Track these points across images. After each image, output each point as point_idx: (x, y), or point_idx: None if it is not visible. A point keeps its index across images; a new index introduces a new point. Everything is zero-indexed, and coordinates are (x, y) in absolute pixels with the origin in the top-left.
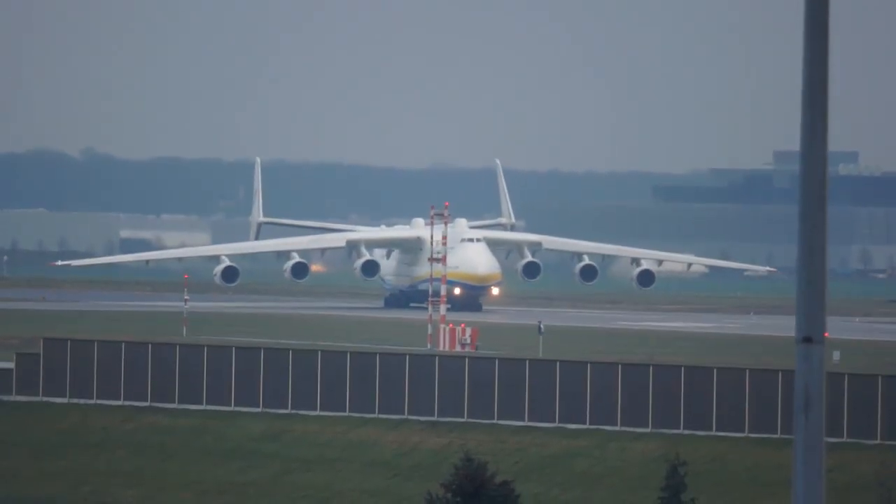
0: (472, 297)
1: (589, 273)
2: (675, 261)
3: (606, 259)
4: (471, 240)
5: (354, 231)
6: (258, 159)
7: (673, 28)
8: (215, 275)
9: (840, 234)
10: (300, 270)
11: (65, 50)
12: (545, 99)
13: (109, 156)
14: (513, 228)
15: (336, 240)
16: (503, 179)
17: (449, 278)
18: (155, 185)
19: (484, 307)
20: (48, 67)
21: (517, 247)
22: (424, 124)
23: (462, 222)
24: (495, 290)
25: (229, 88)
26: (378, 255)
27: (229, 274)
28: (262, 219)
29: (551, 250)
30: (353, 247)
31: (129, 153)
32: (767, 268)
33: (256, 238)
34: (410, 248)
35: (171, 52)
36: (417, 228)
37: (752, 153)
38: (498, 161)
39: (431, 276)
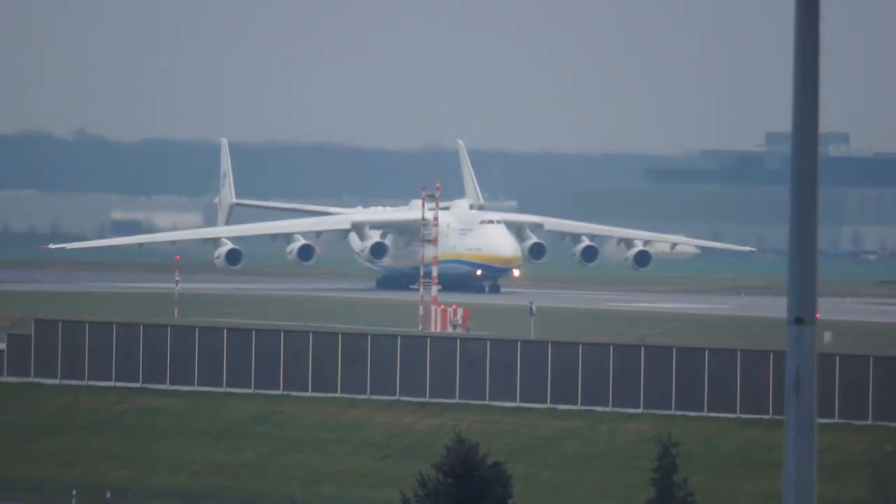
0: (492, 279)
1: (590, 254)
2: (680, 242)
3: (596, 239)
4: (490, 221)
5: (333, 212)
6: (224, 140)
7: (664, 9)
8: (217, 257)
9: (831, 215)
10: (307, 253)
11: (56, 31)
12: (538, 80)
13: (101, 137)
14: (481, 209)
15: (341, 221)
16: (468, 159)
17: (470, 260)
18: (146, 167)
19: (500, 289)
20: (39, 49)
21: (518, 228)
22: (416, 105)
23: (464, 204)
24: (516, 272)
25: (220, 70)
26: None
27: (233, 257)
28: (234, 200)
29: (552, 231)
30: (357, 228)
31: (121, 135)
32: (749, 248)
33: (227, 221)
34: (417, 230)
35: (163, 34)
36: (420, 210)
37: (744, 135)
38: (461, 142)
39: (422, 258)
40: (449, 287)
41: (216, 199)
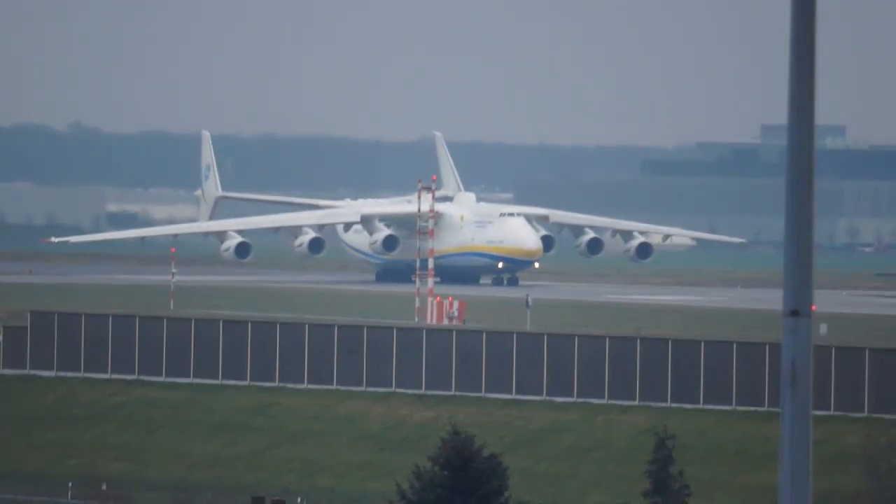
0: (511, 271)
1: (594, 246)
2: (683, 235)
3: (596, 231)
4: (511, 214)
5: (322, 205)
6: (207, 133)
7: (660, 2)
8: (226, 250)
9: (827, 207)
10: (317, 245)
11: (51, 23)
12: (534, 73)
13: (97, 130)
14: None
15: (350, 214)
16: (447, 151)
17: (491, 252)
18: (142, 159)
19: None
20: (34, 41)
21: (525, 220)
22: (411, 97)
23: (470, 196)
24: (537, 265)
25: (216, 63)
26: (357, 228)
27: (242, 250)
28: (220, 193)
29: (555, 223)
30: (366, 221)
31: (117, 127)
32: (739, 239)
33: (212, 214)
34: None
35: (159, 26)
36: (428, 203)
37: (740, 127)
38: (438, 133)
39: (420, 250)
40: (465, 280)
41: (197, 192)
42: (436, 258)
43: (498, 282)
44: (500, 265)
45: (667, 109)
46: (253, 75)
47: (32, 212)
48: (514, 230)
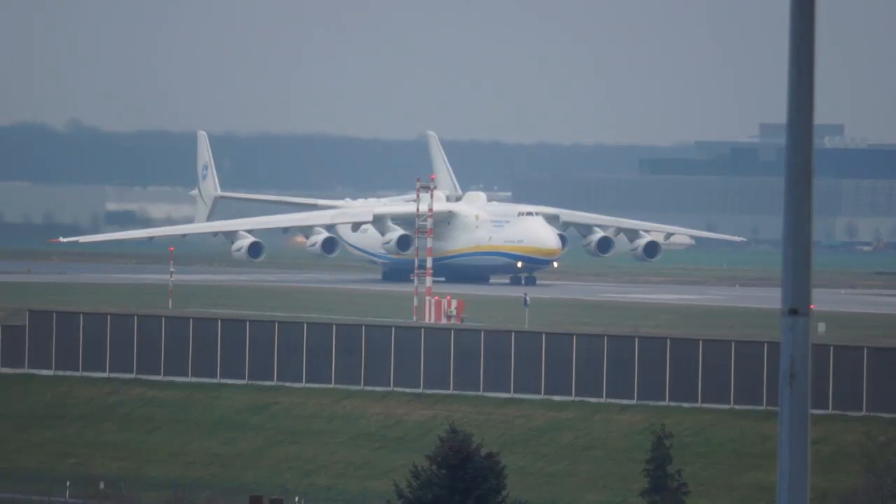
0: (529, 270)
1: (604, 245)
2: (685, 234)
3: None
4: (529, 213)
5: (321, 205)
6: (203, 133)
7: (658, 1)
8: (238, 250)
9: (826, 206)
10: (330, 245)
11: (50, 22)
12: (532, 71)
13: (95, 128)
14: (458, 199)
15: (363, 214)
16: (441, 150)
17: (510, 252)
18: (141, 158)
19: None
20: (33, 40)
21: None
22: (411, 95)
23: (481, 196)
24: (555, 264)
25: (214, 61)
26: (363, 227)
27: (254, 249)
28: (218, 193)
29: (565, 222)
30: (378, 221)
31: (116, 126)
32: (738, 237)
33: (211, 214)
34: (439, 222)
35: (159, 24)
36: (439, 202)
37: (738, 126)
38: (432, 133)
39: (421, 251)
40: (480, 278)
41: (193, 192)
42: (450, 257)
43: (516, 281)
44: (519, 264)
45: (665, 108)
46: (251, 74)
47: (31, 211)
48: (534, 229)
